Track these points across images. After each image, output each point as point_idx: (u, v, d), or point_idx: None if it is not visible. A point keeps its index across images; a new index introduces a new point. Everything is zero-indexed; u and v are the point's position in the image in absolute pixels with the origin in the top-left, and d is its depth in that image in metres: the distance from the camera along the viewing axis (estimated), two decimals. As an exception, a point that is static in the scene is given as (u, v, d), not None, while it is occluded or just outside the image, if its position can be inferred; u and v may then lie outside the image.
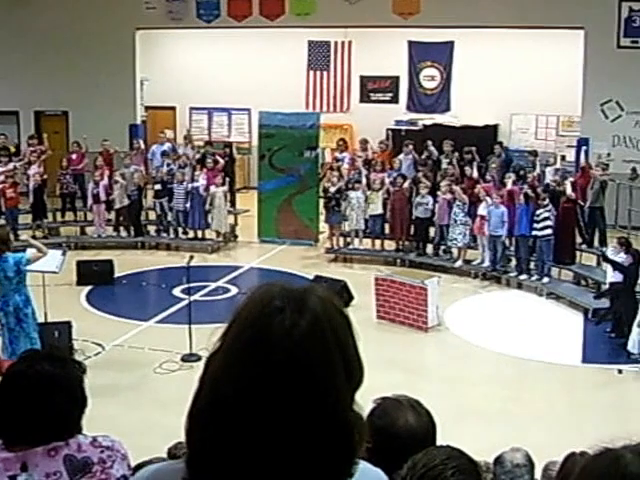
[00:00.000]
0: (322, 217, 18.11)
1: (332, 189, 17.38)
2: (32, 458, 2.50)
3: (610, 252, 13.42)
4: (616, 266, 12.92)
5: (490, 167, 17.35)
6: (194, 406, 1.64)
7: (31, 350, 5.33)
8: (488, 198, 15.62)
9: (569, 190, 15.22)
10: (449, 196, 16.18)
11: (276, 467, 1.56)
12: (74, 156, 19.36)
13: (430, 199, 16.40)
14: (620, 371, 11.64)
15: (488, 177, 16.68)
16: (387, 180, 17.17)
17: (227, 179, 18.48)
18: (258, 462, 1.56)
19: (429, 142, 18.23)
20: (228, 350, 1.61)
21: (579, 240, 15.87)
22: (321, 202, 18.10)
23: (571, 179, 16.06)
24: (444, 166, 17.46)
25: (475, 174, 16.79)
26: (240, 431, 1.56)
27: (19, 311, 10.29)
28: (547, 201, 14.90)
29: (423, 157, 18.18)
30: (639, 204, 15.63)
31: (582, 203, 15.72)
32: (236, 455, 1.56)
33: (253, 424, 1.55)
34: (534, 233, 14.97)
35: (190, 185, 17.92)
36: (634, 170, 18.98)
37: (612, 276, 13.07)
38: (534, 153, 18.18)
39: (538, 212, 14.89)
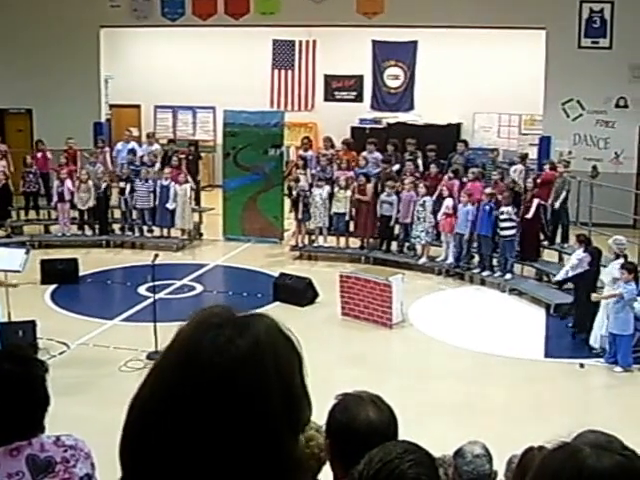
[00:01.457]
0: (289, 215, 18.08)
1: (294, 191, 17.38)
2: None
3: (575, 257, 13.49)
4: (574, 279, 13.06)
5: (453, 164, 17.49)
6: (125, 426, 1.52)
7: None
8: (450, 199, 15.74)
9: (533, 207, 15.32)
10: (412, 193, 16.30)
11: None
12: (39, 155, 19.23)
13: (395, 197, 16.48)
14: (582, 365, 11.77)
15: (450, 174, 16.74)
16: (351, 179, 17.26)
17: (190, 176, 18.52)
18: None
19: (393, 167, 18.00)
20: (158, 368, 1.52)
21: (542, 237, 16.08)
22: (287, 200, 18.09)
23: (533, 176, 16.29)
24: (407, 164, 17.51)
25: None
26: (165, 453, 1.45)
27: None
28: (509, 204, 15.03)
29: (387, 154, 18.23)
30: (600, 201, 15.77)
31: (545, 203, 15.86)
32: (161, 476, 1.46)
33: (177, 447, 1.44)
34: (498, 232, 15.06)
35: (159, 182, 17.89)
36: (594, 168, 19.20)
37: (568, 271, 13.21)
38: (493, 151, 18.53)
39: (502, 209, 15.00)
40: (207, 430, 1.43)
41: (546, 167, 16.86)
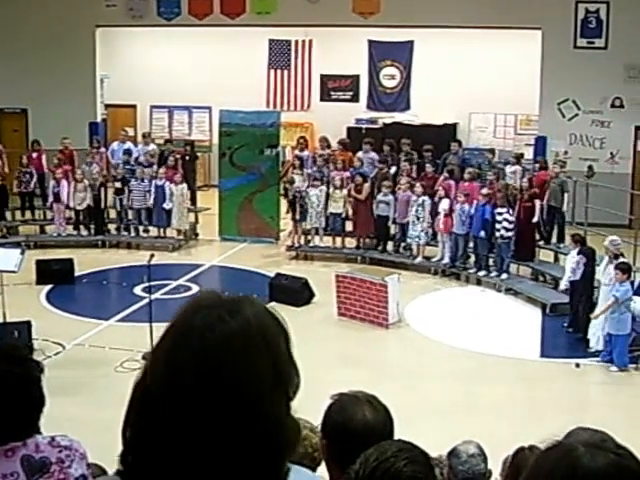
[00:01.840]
0: (285, 215, 18.07)
1: (290, 192, 17.37)
2: None
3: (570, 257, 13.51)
4: (574, 283, 12.99)
5: (447, 164, 17.51)
6: (129, 405, 1.65)
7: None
8: (446, 200, 15.74)
9: (537, 211, 15.39)
10: (408, 193, 16.31)
11: (201, 464, 1.55)
12: (34, 155, 19.21)
13: (391, 197, 16.51)
14: (578, 365, 11.81)
15: (445, 174, 16.77)
16: (347, 179, 17.28)
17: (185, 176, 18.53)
18: (182, 460, 1.55)
19: (390, 169, 17.85)
20: (156, 350, 1.63)
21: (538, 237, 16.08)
22: (283, 200, 18.10)
23: (528, 176, 16.29)
24: (403, 164, 17.45)
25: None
26: (163, 427, 1.55)
27: None
28: (504, 205, 15.05)
29: (383, 154, 18.22)
30: (595, 201, 15.79)
31: (542, 203, 15.82)
32: (160, 452, 1.56)
33: (174, 420, 1.54)
34: (494, 232, 15.07)
35: (154, 182, 17.90)
36: (590, 168, 19.27)
37: (570, 276, 13.14)
38: (490, 151, 18.37)
39: (499, 210, 15.01)
40: (201, 402, 1.54)
41: (536, 166, 16.78)
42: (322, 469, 2.94)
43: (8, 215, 18.72)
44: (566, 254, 14.17)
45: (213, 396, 1.53)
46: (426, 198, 16.12)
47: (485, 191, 15.50)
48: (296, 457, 1.75)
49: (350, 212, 17.15)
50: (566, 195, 15.98)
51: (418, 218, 16.15)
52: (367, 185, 16.92)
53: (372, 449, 2.09)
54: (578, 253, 12.88)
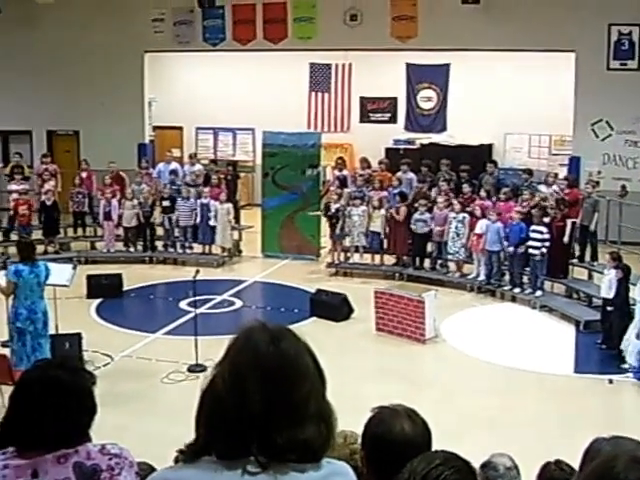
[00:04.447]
0: (326, 232, 18.36)
1: (333, 207, 17.74)
2: (42, 465, 2.53)
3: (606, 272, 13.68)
4: (614, 300, 13.00)
5: (484, 184, 17.69)
6: (200, 406, 2.12)
7: (44, 359, 5.61)
8: (484, 220, 15.90)
9: (568, 230, 15.53)
10: (446, 212, 16.56)
11: (268, 441, 2.02)
12: (84, 174, 19.70)
13: (428, 215, 16.71)
14: (611, 381, 11.81)
15: (482, 193, 16.96)
16: (385, 199, 17.54)
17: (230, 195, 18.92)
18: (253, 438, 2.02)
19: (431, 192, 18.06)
20: (226, 366, 2.09)
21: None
22: (323, 219, 18.38)
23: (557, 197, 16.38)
24: (441, 184, 17.65)
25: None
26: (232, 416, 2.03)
27: (45, 315, 10.63)
28: (540, 223, 15.22)
29: (421, 174, 18.44)
30: (628, 220, 15.80)
31: (576, 220, 15.90)
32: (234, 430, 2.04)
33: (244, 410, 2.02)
34: (530, 251, 15.21)
35: (199, 201, 18.33)
36: (623, 187, 19.03)
37: (607, 292, 13.13)
38: (528, 172, 18.26)
39: (533, 228, 15.16)
40: (267, 401, 2.05)
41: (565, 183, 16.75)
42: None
43: (61, 232, 19.15)
44: (600, 272, 14.16)
45: (277, 398, 2.04)
46: (466, 215, 16.30)
47: (518, 208, 15.69)
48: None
49: (387, 230, 17.32)
50: (596, 214, 15.96)
51: (458, 234, 16.36)
52: (404, 209, 17.04)
53: (419, 458, 2.16)
54: (615, 268, 12.90)
